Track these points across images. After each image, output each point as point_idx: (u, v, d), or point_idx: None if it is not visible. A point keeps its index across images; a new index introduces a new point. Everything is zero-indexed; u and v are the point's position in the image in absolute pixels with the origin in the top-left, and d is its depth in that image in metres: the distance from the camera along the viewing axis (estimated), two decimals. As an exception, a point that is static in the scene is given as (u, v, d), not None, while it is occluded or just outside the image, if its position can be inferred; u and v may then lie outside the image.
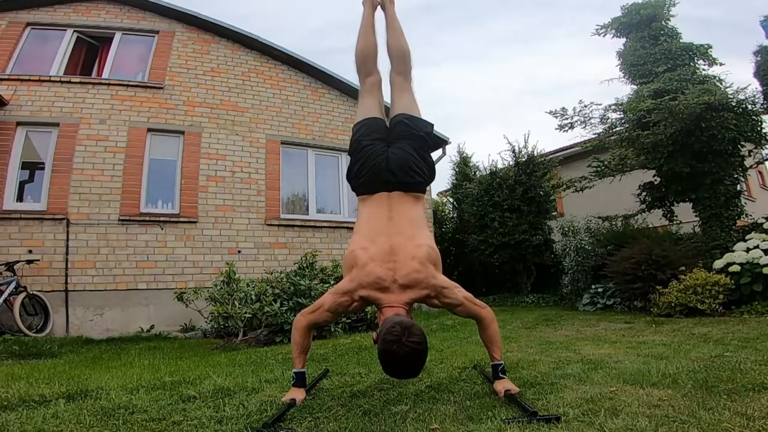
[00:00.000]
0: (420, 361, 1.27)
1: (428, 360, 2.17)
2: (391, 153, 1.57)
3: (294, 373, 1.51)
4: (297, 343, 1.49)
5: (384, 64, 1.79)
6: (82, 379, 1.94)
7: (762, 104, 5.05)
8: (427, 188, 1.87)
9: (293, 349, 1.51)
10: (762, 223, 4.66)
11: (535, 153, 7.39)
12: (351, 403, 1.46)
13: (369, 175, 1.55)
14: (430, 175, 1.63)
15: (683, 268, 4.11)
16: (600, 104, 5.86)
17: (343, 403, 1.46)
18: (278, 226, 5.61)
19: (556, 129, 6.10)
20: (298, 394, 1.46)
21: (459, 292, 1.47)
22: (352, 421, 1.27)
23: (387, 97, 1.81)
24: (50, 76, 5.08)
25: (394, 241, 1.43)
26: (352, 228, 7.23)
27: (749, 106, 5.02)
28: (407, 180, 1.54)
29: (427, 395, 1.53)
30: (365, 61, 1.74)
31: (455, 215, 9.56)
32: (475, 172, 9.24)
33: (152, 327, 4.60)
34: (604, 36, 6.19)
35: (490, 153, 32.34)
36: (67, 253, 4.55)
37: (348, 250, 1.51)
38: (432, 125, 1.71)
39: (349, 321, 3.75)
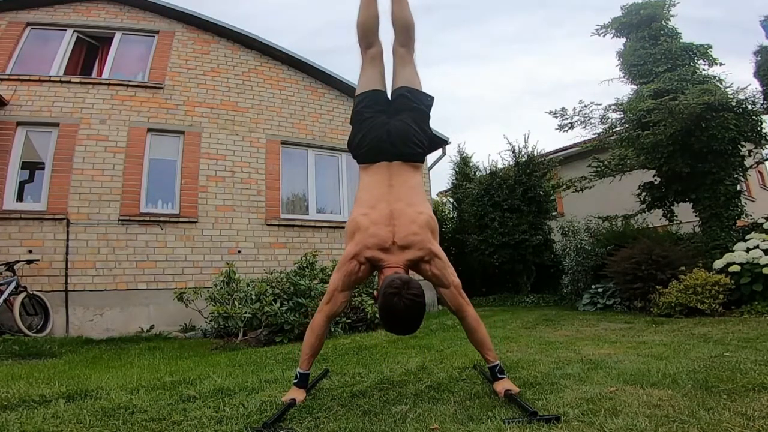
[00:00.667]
0: (418, 314, 1.32)
1: (428, 360, 2.20)
2: (392, 125, 1.61)
3: (298, 372, 1.51)
4: (311, 344, 1.51)
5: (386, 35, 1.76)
6: (82, 379, 1.94)
7: (762, 104, 5.05)
8: (423, 169, 1.87)
9: (304, 350, 1.51)
10: (762, 223, 4.66)
11: (535, 153, 7.40)
12: (351, 403, 1.46)
13: (370, 145, 1.60)
14: (429, 146, 1.69)
15: (683, 268, 4.11)
16: (600, 104, 5.86)
17: (343, 403, 1.46)
18: (278, 226, 5.61)
19: (556, 129, 6.11)
20: (298, 394, 1.47)
21: (452, 274, 1.50)
22: (352, 421, 1.27)
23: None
24: (50, 76, 5.08)
25: (395, 207, 1.49)
26: (352, 228, 7.10)
27: (749, 106, 5.03)
28: (407, 151, 1.59)
29: (427, 395, 1.53)
30: (367, 32, 1.73)
31: (455, 215, 9.57)
32: (475, 172, 9.24)
33: (152, 327, 4.60)
34: (604, 36, 6.20)
35: (490, 153, 32.36)
36: (67, 253, 4.55)
37: (350, 218, 1.56)
38: (432, 98, 1.75)
39: (349, 321, 3.75)
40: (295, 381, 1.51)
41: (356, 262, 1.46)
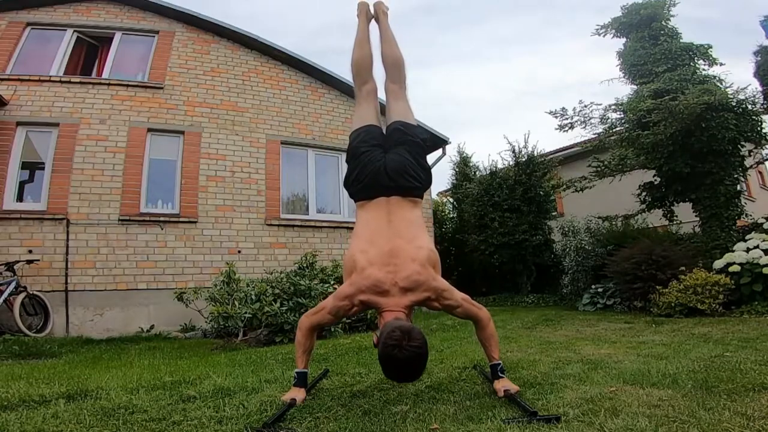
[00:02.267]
0: (420, 366, 1.28)
1: (428, 360, 2.19)
2: (389, 159, 1.61)
3: (296, 372, 1.52)
4: (300, 343, 1.52)
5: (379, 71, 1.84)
6: (82, 379, 1.94)
7: (762, 104, 5.05)
8: (425, 193, 1.92)
9: (296, 349, 1.53)
10: (762, 223, 4.66)
11: (535, 153, 7.39)
12: (351, 403, 1.46)
13: (367, 180, 1.59)
14: (427, 180, 1.67)
15: (683, 268, 4.11)
16: (600, 104, 5.87)
17: (343, 403, 1.46)
18: (278, 226, 5.61)
19: (556, 129, 6.10)
20: (298, 394, 1.47)
21: (457, 294, 1.50)
22: (352, 421, 1.27)
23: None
24: (50, 76, 5.08)
25: (394, 244, 1.45)
26: (352, 228, 7.16)
27: (749, 106, 5.02)
28: (405, 185, 1.58)
29: (427, 395, 1.53)
30: (361, 71, 1.80)
31: (455, 215, 9.56)
32: (475, 172, 9.23)
33: (152, 327, 4.60)
34: (604, 36, 6.19)
35: (490, 153, 32.33)
36: (67, 253, 4.55)
37: (347, 254, 1.54)
38: (427, 132, 1.80)
39: (349, 321, 3.75)
40: (294, 381, 1.52)
41: (349, 302, 1.44)
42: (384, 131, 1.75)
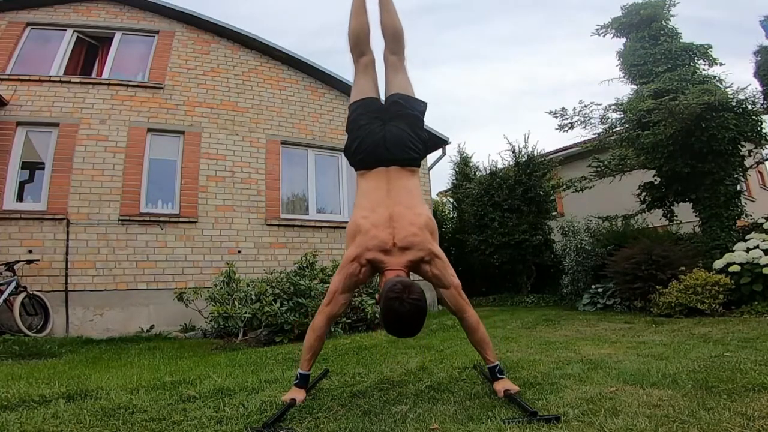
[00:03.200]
0: (420, 318, 1.32)
1: (428, 360, 2.20)
2: (388, 131, 1.63)
3: (299, 373, 1.53)
4: (311, 346, 1.52)
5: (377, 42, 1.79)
6: (82, 379, 1.94)
7: (762, 104, 5.05)
8: (422, 170, 1.94)
9: (304, 351, 1.53)
10: (762, 223, 4.66)
11: (535, 153, 7.39)
12: (351, 403, 1.46)
13: (367, 152, 1.62)
14: (425, 150, 1.72)
15: (683, 268, 4.11)
16: (600, 104, 5.86)
17: (343, 403, 1.46)
18: (278, 226, 5.61)
19: (556, 129, 6.11)
20: (298, 394, 1.48)
21: (452, 275, 1.52)
22: (352, 421, 1.27)
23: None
24: (50, 76, 5.08)
25: (394, 210, 1.51)
26: (352, 228, 7.04)
27: (749, 106, 5.02)
28: (404, 156, 1.62)
29: (427, 395, 1.53)
30: (358, 42, 1.76)
31: (455, 215, 9.56)
32: (475, 172, 9.24)
33: (152, 327, 4.60)
34: (604, 36, 6.20)
35: (490, 153, 32.35)
36: (67, 253, 4.55)
37: (351, 220, 1.58)
38: (425, 104, 1.78)
39: (349, 321, 3.75)
40: (296, 381, 1.53)
41: (357, 264, 1.47)
42: (383, 102, 1.75)
